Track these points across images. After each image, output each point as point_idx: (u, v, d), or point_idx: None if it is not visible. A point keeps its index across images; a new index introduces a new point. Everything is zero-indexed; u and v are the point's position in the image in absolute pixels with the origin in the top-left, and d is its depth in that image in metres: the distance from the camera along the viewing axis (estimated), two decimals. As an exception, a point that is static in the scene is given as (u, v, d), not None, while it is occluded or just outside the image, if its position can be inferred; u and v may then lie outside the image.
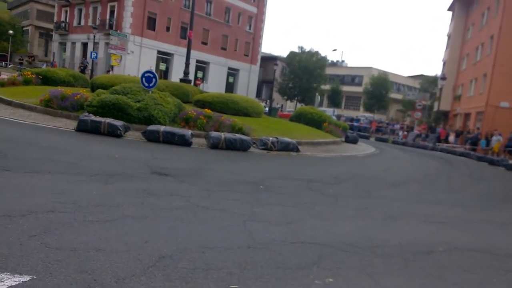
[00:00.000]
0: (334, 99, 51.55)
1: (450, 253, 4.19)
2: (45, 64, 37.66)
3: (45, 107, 11.05)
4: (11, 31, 41.18)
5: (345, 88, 55.20)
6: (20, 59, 44.32)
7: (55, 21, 44.33)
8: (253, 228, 4.08)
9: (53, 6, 46.12)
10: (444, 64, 39.85)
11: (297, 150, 11.22)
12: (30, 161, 5.74)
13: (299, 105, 39.94)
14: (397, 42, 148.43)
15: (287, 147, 11.00)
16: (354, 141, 18.24)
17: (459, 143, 25.78)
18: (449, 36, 39.40)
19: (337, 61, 66.31)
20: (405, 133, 30.06)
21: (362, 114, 45.59)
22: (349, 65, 65.46)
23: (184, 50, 20.06)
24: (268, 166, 8.79)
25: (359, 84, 56.34)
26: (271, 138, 10.92)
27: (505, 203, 8.35)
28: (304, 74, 42.66)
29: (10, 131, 8.09)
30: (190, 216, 4.18)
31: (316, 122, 18.43)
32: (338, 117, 34.28)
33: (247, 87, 46.74)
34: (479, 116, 28.06)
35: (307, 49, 44.33)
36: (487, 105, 26.27)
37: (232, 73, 45.98)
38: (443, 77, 30.24)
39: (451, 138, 26.23)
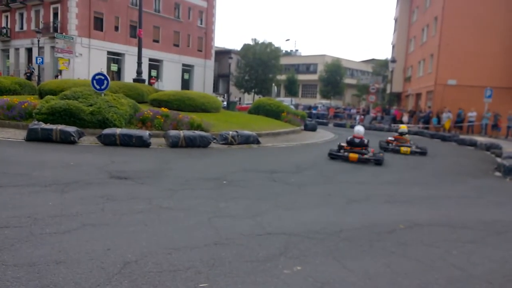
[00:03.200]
0: (291, 88, 52.11)
1: (411, 230, 4.38)
2: (-14, 73, 35.42)
3: (-10, 118, 10.40)
4: None
5: (301, 77, 55.91)
6: (-41, 70, 41.47)
7: (-6, 27, 41.68)
8: (218, 224, 4.07)
9: (-9, 12, 43.35)
10: (393, 47, 41.27)
11: (258, 142, 11.27)
12: (-23, 177, 5.39)
13: (256, 97, 40.07)
14: (347, 29, 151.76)
15: (247, 140, 11.02)
16: (313, 129, 18.57)
17: (412, 123, 26.92)
18: (396, 20, 40.78)
19: (291, 50, 66.96)
20: (362, 117, 30.95)
21: (319, 102, 46.37)
22: (303, 54, 66.35)
23: (135, 49, 19.53)
24: (230, 160, 8.78)
25: (314, 72, 57.22)
26: (231, 132, 10.90)
27: (459, 176, 8.82)
28: (259, 66, 42.79)
29: (-49, 147, 7.56)
30: (153, 218, 4.11)
31: (275, 113, 18.58)
32: (296, 106, 34.68)
33: (203, 82, 46.27)
34: (429, 95, 29.36)
35: (260, 41, 44.46)
36: (436, 84, 27.52)
37: (187, 69, 45.33)
38: (393, 60, 31.34)
39: (405, 118, 27.31)
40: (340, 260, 3.36)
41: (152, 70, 39.62)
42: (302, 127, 18.06)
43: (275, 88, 42.52)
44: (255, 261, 3.21)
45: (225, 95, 41.14)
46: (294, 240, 3.74)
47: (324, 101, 46.63)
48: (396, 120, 27.67)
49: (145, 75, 28.29)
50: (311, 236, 3.90)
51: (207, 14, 47.01)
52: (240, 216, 4.43)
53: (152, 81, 33.27)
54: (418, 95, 32.91)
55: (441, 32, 27.30)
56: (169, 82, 38.79)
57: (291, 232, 3.97)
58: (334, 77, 48.87)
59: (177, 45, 43.58)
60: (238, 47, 60.25)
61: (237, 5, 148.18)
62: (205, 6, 46.55)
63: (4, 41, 40.63)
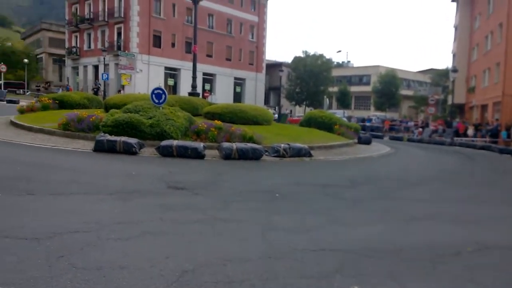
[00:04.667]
0: (343, 100, 51.33)
1: (480, 253, 4.05)
2: (60, 89, 38.53)
3: (63, 130, 11.27)
4: (26, 60, 42.45)
5: (353, 89, 54.95)
6: (37, 86, 45.57)
7: (66, 47, 45.52)
8: (272, 237, 4.08)
9: (63, 33, 47.34)
10: (454, 56, 39.40)
11: (310, 155, 11.19)
12: (53, 184, 5.86)
13: (308, 110, 39.90)
14: (402, 38, 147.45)
15: (299, 153, 10.98)
16: (367, 142, 18.10)
17: (478, 136, 25.29)
18: (456, 27, 39.01)
19: (343, 62, 66.25)
20: (420, 129, 29.69)
21: (373, 114, 45.23)
22: (356, 65, 65.28)
23: (190, 64, 20.28)
24: (282, 173, 8.79)
25: (367, 84, 55.99)
26: (282, 145, 10.92)
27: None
28: (310, 78, 42.69)
29: (32, 156, 8.27)
30: (208, 229, 4.21)
31: (327, 126, 18.35)
32: (349, 118, 34.08)
33: (254, 95, 46.96)
34: (496, 106, 27.57)
35: (311, 53, 44.41)
36: (504, 95, 25.76)
37: (239, 82, 46.27)
38: (454, 70, 29.82)
39: (470, 131, 25.76)
40: (400, 282, 3.20)
41: (206, 84, 40.90)
42: (356, 140, 17.66)
43: (327, 100, 42.11)
44: (309, 277, 3.17)
45: (276, 107, 41.36)
46: (350, 258, 3.65)
47: (379, 113, 45.37)
48: (459, 134, 26.17)
49: (199, 89, 29.26)
50: (368, 254, 3.78)
51: (258, 29, 47.90)
52: (293, 230, 4.41)
53: (206, 94, 34.32)
54: (484, 107, 31.04)
55: (507, 39, 25.67)
56: (222, 95, 39.77)
57: (346, 249, 3.88)
58: (388, 88, 47.48)
59: (229, 59, 44.74)
60: (289, 59, 60.51)
61: (287, 18, 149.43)
62: (256, 20, 47.47)
63: (74, 59, 44.07)
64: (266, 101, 50.23)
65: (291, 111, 46.93)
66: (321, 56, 44.30)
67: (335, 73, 50.33)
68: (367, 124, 32.65)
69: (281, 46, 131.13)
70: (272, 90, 52.36)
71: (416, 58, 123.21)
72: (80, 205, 4.82)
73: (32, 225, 3.91)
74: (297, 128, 18.84)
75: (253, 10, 47.10)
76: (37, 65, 48.15)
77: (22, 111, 16.16)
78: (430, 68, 56.32)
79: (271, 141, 11.92)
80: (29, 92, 40.92)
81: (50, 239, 3.54)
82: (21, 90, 41.14)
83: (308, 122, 19.42)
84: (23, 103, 22.03)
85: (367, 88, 54.90)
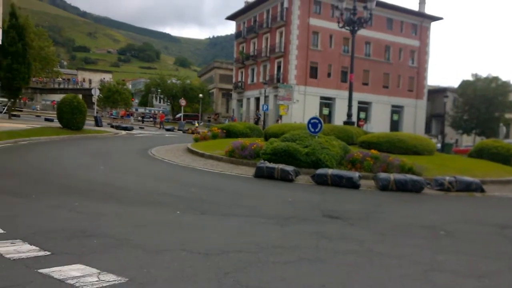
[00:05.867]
0: (525, 128, 43.69)
1: None
2: (227, 120, 43.41)
3: (229, 157, 12.63)
4: (201, 95, 49.48)
5: (540, 115, 46.34)
6: (208, 117, 52.48)
7: (233, 81, 51.42)
8: (436, 279, 3.74)
9: (231, 70, 53.63)
10: None
11: (482, 190, 9.85)
12: (220, 205, 6.61)
13: (478, 139, 35.26)
14: None
15: (468, 187, 9.78)
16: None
17: None
18: None
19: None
20: None
21: None
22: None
23: (345, 93, 20.42)
24: (447, 208, 7.96)
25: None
26: (447, 178, 9.91)
27: None
28: (482, 104, 37.78)
29: (203, 179, 9.51)
30: (364, 262, 4.10)
31: (503, 157, 15.87)
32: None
33: (413, 123, 44.08)
34: None
35: (483, 75, 39.49)
36: None
37: (396, 110, 44.14)
38: None
39: None
40: None
41: (361, 112, 40.29)
42: (544, 175, 14.77)
43: (503, 129, 36.50)
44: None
45: (439, 136, 37.81)
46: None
47: None
48: None
49: (354, 118, 29.00)
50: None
51: (419, 53, 45.31)
52: (462, 273, 3.95)
53: (360, 123, 33.82)
54: None
55: None
56: (378, 124, 38.56)
57: (532, 303, 3.29)
58: None
59: (386, 87, 43.32)
60: (454, 84, 55.09)
61: (453, 40, 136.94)
62: (417, 45, 45.02)
63: (239, 92, 49.20)
64: (427, 130, 46.47)
65: (456, 140, 42.25)
66: (496, 78, 38.99)
67: (514, 97, 43.51)
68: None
69: (445, 70, 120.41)
70: (434, 118, 48.23)
71: None
72: (242, 227, 5.29)
73: (204, 242, 4.46)
74: (465, 159, 16.84)
75: (414, 34, 44.92)
76: (209, 99, 55.27)
77: (196, 140, 18.68)
78: None
79: (433, 173, 10.96)
80: (202, 123, 47.16)
81: (218, 255, 3.98)
82: (195, 121, 47.78)
83: (479, 153, 17.14)
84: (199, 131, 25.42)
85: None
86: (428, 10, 46.14)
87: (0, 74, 26.52)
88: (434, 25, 59.94)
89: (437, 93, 45.38)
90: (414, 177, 9.64)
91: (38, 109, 55.79)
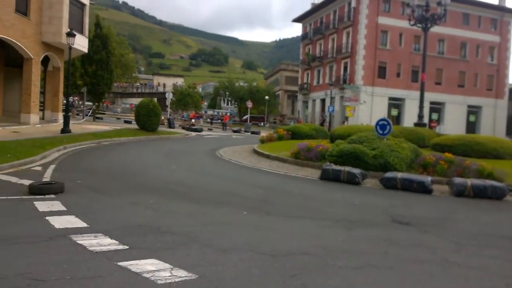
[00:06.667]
0: None
1: None
2: (292, 121, 43.44)
3: (294, 158, 12.65)
4: (267, 97, 50.08)
5: None
6: (274, 119, 53.01)
7: (299, 83, 51.36)
8: (520, 293, 3.46)
9: (297, 72, 53.61)
10: None
11: None
12: (286, 207, 6.66)
13: None
14: None
15: (560, 196, 8.83)
16: None
17: None
18: None
19: None
20: None
21: None
22: None
23: (416, 93, 19.46)
24: (534, 219, 7.28)
25: None
26: (535, 185, 9.04)
27: None
28: None
29: (269, 180, 9.64)
30: (439, 271, 3.91)
31: None
32: None
33: (493, 125, 40.74)
34: None
35: None
36: None
37: (473, 111, 41.09)
38: None
39: None
40: None
41: (433, 113, 38.14)
42: None
43: None
44: None
45: (525, 139, 34.49)
46: None
47: None
48: None
49: (425, 119, 27.52)
50: None
51: (499, 49, 41.85)
52: (551, 290, 3.61)
53: (432, 124, 32.02)
54: None
55: None
56: (452, 125, 36.24)
57: None
58: None
59: (461, 86, 40.58)
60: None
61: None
62: (497, 40, 41.60)
63: (304, 94, 49.01)
64: (509, 132, 42.64)
65: (545, 143, 38.27)
66: None
67: None
68: None
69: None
70: (517, 119, 44.16)
71: None
72: (308, 229, 5.29)
73: (270, 243, 4.53)
74: (556, 164, 15.21)
75: (493, 29, 41.56)
76: (275, 101, 55.69)
77: (262, 141, 18.95)
78: None
79: (517, 179, 10.06)
80: (268, 124, 47.68)
81: (285, 257, 4.02)
82: (261, 122, 48.41)
83: None
84: (263, 134, 25.78)
85: None
86: (510, 4, 42.32)
87: (86, 80, 29.13)
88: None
89: (521, 92, 41.60)
90: (495, 183, 8.92)
91: (119, 111, 60.05)
